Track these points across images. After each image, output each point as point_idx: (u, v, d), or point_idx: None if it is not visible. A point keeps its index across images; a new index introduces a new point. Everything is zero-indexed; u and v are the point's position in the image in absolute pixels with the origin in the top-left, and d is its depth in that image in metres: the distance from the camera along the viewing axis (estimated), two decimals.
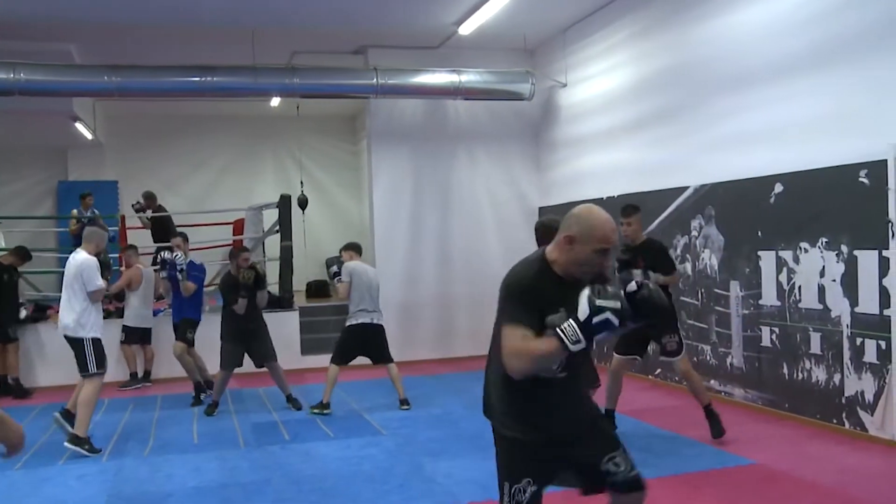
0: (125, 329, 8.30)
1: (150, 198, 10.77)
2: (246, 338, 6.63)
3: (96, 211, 10.49)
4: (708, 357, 6.84)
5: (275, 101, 11.30)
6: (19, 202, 12.45)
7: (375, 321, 6.60)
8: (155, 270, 8.19)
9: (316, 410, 6.62)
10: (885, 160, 5.02)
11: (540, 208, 10.14)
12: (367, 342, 6.61)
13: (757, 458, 4.87)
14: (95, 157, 12.75)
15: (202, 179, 13.19)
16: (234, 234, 11.14)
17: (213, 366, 7.15)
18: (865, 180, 5.17)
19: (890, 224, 4.98)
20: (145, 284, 8.25)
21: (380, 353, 6.69)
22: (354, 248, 6.87)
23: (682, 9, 7.12)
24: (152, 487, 4.69)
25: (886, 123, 5.02)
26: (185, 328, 7.31)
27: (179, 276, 7.24)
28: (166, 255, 7.45)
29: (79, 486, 4.66)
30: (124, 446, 5.76)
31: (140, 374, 8.45)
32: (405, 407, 6.71)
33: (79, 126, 10.88)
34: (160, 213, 10.62)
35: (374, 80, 8.50)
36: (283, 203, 9.45)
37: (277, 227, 9.52)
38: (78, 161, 12.77)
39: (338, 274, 6.58)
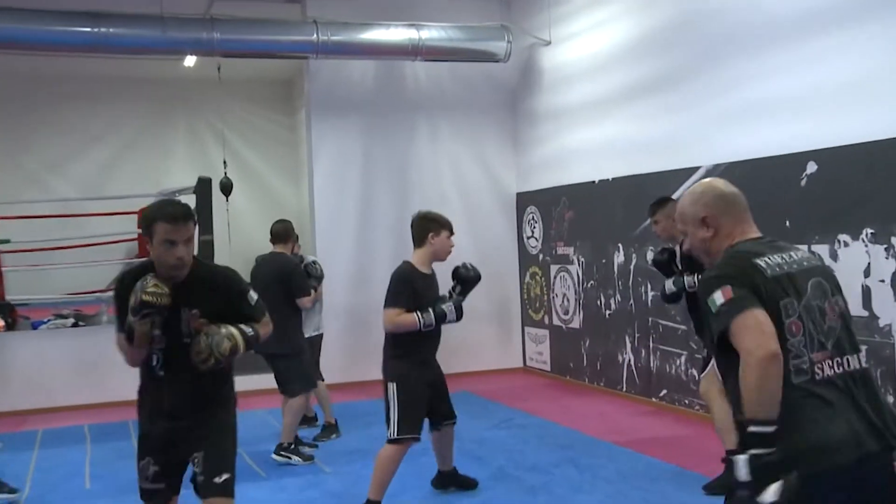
0: None
1: None
2: None
3: None
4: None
5: (189, 61, 11.02)
6: None
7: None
8: None
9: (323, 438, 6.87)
10: None
11: (518, 195, 10.08)
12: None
13: None
14: None
15: (97, 158, 12.88)
16: (139, 227, 10.80)
17: None
18: None
19: None
20: None
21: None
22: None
23: None
24: None
25: None
26: None
27: None
28: None
29: None
30: None
31: None
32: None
33: None
34: None
35: (314, 35, 8.41)
36: (202, 188, 9.34)
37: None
38: None
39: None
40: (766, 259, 2.38)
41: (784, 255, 2.42)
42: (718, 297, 2.27)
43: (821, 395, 2.26)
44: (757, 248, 2.44)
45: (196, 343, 3.12)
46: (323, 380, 7.05)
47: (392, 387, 4.82)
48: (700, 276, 2.52)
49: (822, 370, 2.29)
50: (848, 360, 2.34)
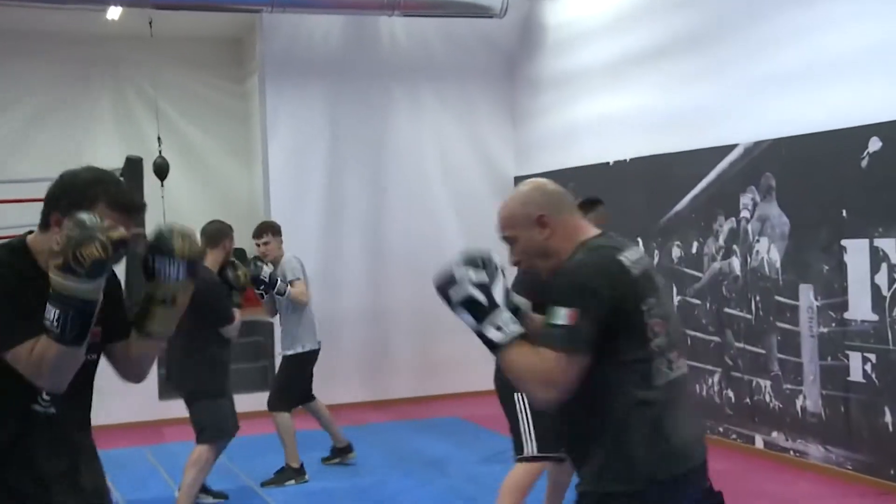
0: None
1: None
2: None
3: None
4: (767, 397, 6.82)
5: (113, 13, 10.93)
6: None
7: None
8: None
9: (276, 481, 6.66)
10: None
11: (517, 178, 10.02)
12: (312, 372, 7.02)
13: None
14: None
15: None
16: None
17: None
18: None
19: None
20: None
21: (311, 387, 7.04)
22: (279, 232, 7.12)
23: None
24: None
25: None
26: None
27: None
28: None
29: None
30: None
31: None
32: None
33: None
34: None
35: None
36: (132, 170, 9.27)
37: None
38: None
39: (265, 281, 6.57)
40: (627, 255, 2.61)
41: (636, 251, 2.70)
42: (562, 316, 2.48)
43: (676, 398, 2.60)
44: (615, 243, 2.69)
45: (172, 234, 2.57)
46: (314, 398, 6.98)
47: (519, 398, 4.73)
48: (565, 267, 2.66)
49: (672, 371, 2.61)
50: (685, 364, 2.71)
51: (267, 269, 6.66)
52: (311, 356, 6.88)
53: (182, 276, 2.55)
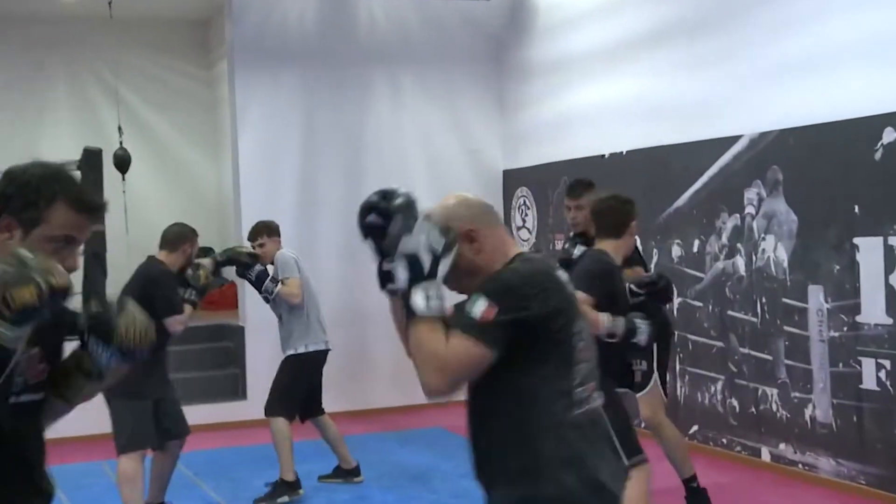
0: None
1: None
2: None
3: None
4: (774, 406, 6.81)
5: None
6: None
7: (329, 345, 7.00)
8: None
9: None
10: None
11: (505, 172, 10.09)
12: (320, 379, 6.98)
13: None
14: None
15: None
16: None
17: None
18: None
19: None
20: None
21: (320, 398, 6.99)
22: (276, 232, 7.06)
23: None
24: None
25: None
26: None
27: None
28: None
29: None
30: None
31: None
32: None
33: None
34: None
35: None
36: (90, 162, 9.15)
37: None
38: None
39: (252, 280, 6.66)
40: (560, 273, 2.70)
41: (563, 273, 2.76)
42: (479, 309, 2.52)
43: (599, 429, 2.66)
44: (547, 261, 2.84)
45: (125, 316, 2.40)
46: (323, 412, 6.90)
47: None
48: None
49: (592, 400, 2.65)
50: (599, 397, 2.71)
51: (258, 267, 6.63)
52: (312, 357, 6.76)
53: (114, 364, 2.41)
